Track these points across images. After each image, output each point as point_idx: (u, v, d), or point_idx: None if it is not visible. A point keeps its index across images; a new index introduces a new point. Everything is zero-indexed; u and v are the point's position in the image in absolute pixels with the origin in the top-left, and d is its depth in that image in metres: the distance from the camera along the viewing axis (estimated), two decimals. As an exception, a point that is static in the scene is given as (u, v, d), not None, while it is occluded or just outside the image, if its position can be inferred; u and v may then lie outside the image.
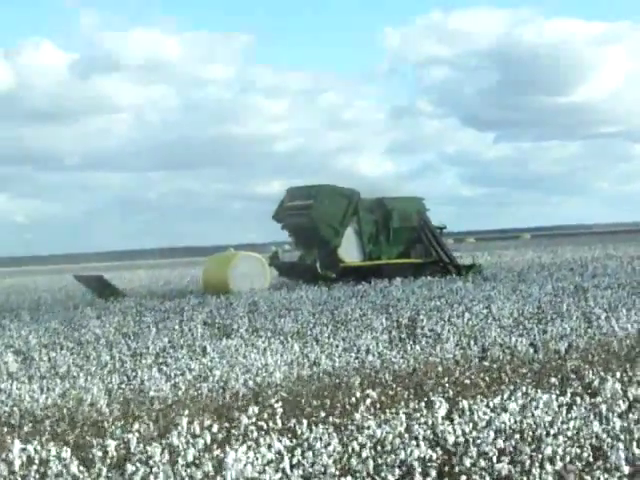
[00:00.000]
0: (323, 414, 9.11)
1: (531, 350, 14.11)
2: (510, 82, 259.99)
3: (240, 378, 12.49)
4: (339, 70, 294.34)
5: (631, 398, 9.34)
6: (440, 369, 12.35)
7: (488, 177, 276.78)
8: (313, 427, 8.30)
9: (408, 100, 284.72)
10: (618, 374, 10.29)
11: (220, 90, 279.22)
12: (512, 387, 10.22)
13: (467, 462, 7.49)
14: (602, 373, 10.60)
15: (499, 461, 7.45)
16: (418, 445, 7.52)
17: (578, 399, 9.38)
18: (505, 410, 8.61)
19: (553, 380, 10.55)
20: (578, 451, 7.63)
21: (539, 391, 9.65)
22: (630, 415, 8.55)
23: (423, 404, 9.17)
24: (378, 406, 9.43)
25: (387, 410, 9.02)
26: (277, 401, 9.22)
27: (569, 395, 9.55)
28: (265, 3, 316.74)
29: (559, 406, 9.13)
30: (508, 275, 33.54)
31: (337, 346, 15.48)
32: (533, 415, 8.40)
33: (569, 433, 8.00)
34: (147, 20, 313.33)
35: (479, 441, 7.72)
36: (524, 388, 9.70)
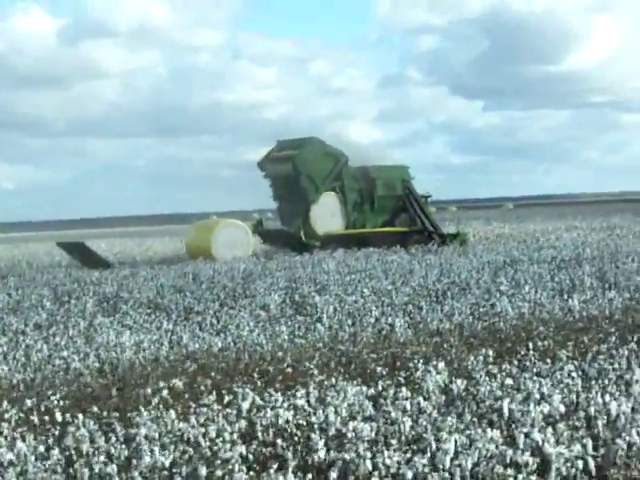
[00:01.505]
0: (96, 409, 8.36)
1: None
2: (499, 50, 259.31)
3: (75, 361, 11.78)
4: (329, 38, 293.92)
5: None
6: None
7: (477, 145, 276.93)
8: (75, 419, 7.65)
9: (398, 68, 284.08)
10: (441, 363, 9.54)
11: (209, 57, 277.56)
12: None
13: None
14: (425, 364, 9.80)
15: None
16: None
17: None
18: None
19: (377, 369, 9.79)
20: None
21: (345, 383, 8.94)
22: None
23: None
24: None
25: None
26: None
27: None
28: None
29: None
30: (455, 247, 32.82)
31: (212, 326, 14.76)
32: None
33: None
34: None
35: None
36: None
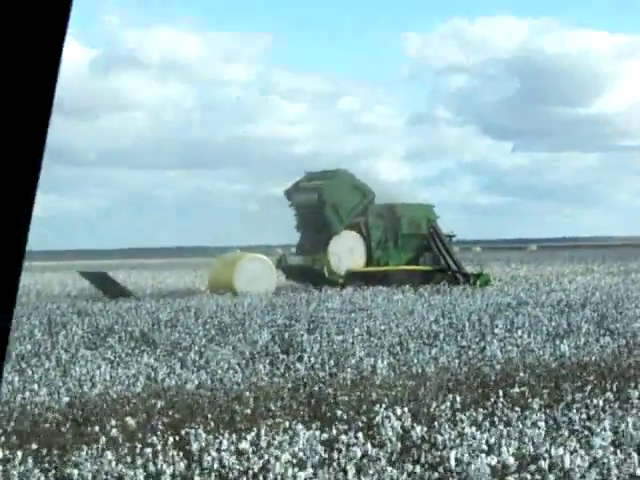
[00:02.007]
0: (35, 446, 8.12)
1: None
2: (529, 92, 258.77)
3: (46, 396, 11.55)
4: (358, 74, 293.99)
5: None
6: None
7: (504, 186, 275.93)
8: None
9: (427, 107, 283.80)
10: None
11: (239, 91, 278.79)
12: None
13: None
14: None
15: None
16: None
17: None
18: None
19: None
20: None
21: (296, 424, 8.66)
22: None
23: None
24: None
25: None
26: None
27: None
28: (284, 4, 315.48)
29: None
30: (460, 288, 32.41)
31: (194, 362, 14.52)
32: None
33: None
34: (168, 18, 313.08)
35: None
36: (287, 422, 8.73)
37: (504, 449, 7.52)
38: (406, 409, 9.42)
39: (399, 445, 8.48)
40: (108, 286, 34.14)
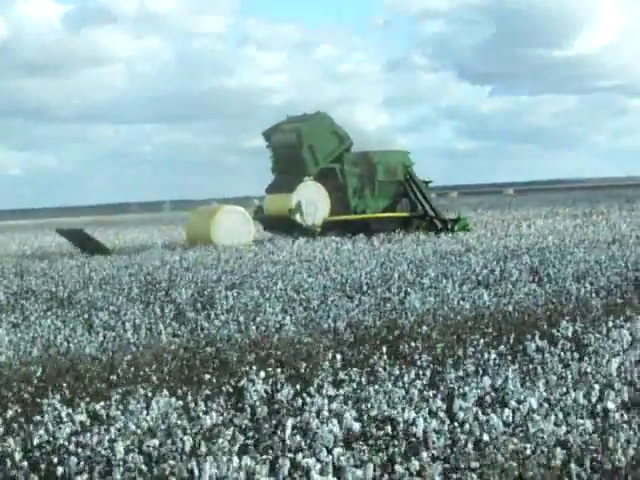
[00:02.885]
0: None
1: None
2: (506, 35, 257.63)
3: None
4: (334, 22, 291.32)
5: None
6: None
7: (483, 130, 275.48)
8: None
9: (404, 53, 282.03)
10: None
11: (214, 42, 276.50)
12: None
13: None
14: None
15: None
16: None
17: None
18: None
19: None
20: None
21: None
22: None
23: None
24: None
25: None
26: None
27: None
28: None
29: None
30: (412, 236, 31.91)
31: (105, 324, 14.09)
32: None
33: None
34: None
35: None
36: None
37: (350, 414, 7.09)
38: (279, 370, 8.99)
39: (264, 410, 8.05)
40: (85, 243, 34.20)
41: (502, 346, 10.08)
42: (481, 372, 9.12)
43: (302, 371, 9.43)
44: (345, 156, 36.00)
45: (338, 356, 9.66)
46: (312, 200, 34.91)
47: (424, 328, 11.66)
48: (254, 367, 9.05)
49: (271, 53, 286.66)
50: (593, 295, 14.83)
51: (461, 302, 14.47)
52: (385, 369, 9.25)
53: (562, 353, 9.46)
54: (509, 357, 9.73)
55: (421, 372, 9.10)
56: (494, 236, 30.08)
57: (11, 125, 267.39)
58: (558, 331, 10.56)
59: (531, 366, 9.26)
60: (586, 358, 9.32)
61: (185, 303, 15.86)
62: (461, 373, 8.94)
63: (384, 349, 9.87)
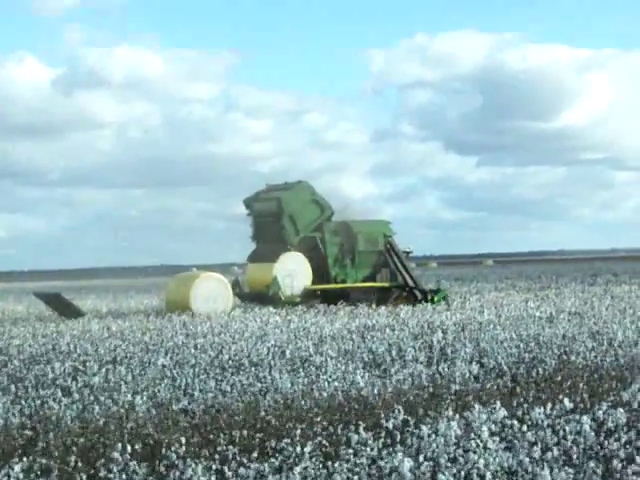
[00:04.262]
0: None
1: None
2: (493, 106, 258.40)
3: None
4: (323, 91, 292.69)
5: None
6: None
7: (470, 201, 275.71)
8: None
9: (391, 122, 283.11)
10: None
11: (203, 109, 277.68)
12: None
13: None
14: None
15: None
16: None
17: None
18: None
19: None
20: None
21: None
22: None
23: None
24: None
25: None
26: None
27: None
28: (249, 22, 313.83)
29: None
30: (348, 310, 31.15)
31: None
32: None
33: None
34: (131, 36, 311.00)
35: None
36: None
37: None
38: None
39: None
40: (62, 307, 34.15)
41: (318, 438, 9.32)
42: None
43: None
44: (326, 225, 35.77)
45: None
46: (293, 272, 34.52)
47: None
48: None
49: (259, 120, 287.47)
50: (481, 377, 14.18)
51: (331, 383, 13.71)
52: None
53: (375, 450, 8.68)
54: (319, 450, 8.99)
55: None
56: (427, 312, 29.23)
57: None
58: (386, 421, 9.80)
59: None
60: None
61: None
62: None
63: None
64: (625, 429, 9.49)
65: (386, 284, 35.96)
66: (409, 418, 9.82)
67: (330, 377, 14.19)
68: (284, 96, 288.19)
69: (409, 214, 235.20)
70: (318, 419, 10.30)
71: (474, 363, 15.46)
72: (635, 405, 10.53)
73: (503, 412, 9.59)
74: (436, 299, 34.55)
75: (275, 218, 34.88)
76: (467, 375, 14.37)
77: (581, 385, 12.26)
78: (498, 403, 9.92)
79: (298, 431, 9.54)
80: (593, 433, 9.18)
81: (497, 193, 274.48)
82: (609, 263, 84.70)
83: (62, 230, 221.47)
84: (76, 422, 11.31)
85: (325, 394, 13.03)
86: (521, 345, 17.14)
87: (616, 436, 9.15)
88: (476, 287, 48.11)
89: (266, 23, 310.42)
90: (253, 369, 15.32)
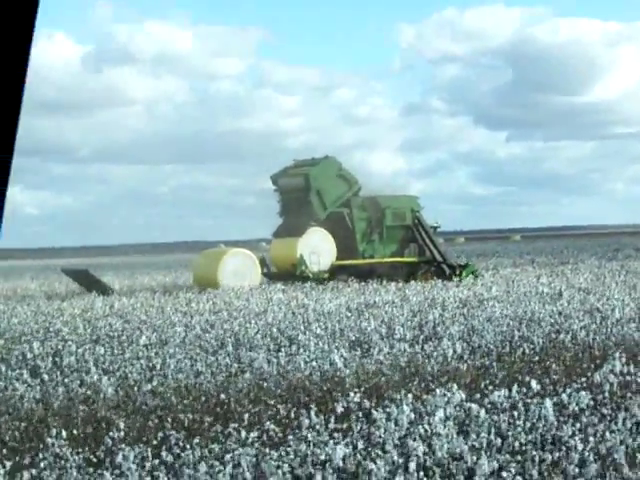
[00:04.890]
0: None
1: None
2: (523, 81, 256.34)
3: None
4: (352, 66, 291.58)
5: None
6: None
7: (500, 176, 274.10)
8: None
9: (421, 97, 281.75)
10: None
11: (233, 85, 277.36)
12: None
13: None
14: None
15: None
16: None
17: None
18: None
19: None
20: None
21: None
22: None
23: None
24: None
25: None
26: None
27: None
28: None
29: None
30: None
31: None
32: None
33: None
34: (161, 13, 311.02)
35: None
36: None
37: None
38: None
39: None
40: (89, 283, 34.41)
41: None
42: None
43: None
44: (353, 200, 35.64)
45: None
46: (317, 248, 34.40)
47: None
48: None
49: (288, 96, 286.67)
50: (465, 356, 13.82)
51: (309, 363, 13.38)
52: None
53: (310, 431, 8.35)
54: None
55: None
56: (445, 287, 28.89)
57: (28, 164, 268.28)
58: (342, 402, 9.45)
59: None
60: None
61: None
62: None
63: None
64: (587, 412, 9.11)
65: (414, 259, 35.82)
66: (365, 402, 9.49)
67: (309, 357, 13.85)
68: (314, 72, 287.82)
69: (439, 189, 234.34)
70: (272, 402, 9.95)
71: (460, 342, 15.09)
72: (606, 387, 10.11)
73: (460, 395, 9.22)
74: (464, 274, 34.36)
75: (302, 193, 34.74)
76: (451, 354, 13.98)
77: (554, 366, 11.82)
78: (455, 386, 9.54)
79: (246, 415, 9.21)
80: (553, 417, 8.81)
81: (527, 168, 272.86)
82: (636, 238, 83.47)
83: (92, 207, 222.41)
84: (39, 405, 11.08)
85: (300, 374, 12.74)
86: (511, 323, 16.70)
87: (575, 420, 8.77)
88: (494, 263, 47.55)
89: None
90: (231, 349, 14.99)
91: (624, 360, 10.79)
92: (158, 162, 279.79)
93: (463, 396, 9.22)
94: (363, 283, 30.76)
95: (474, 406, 9.09)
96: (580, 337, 15.22)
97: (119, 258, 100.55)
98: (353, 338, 16.24)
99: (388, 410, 8.96)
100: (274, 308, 22.38)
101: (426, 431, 8.26)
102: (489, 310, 19.51)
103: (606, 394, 10.01)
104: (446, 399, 9.21)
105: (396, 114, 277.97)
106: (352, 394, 9.54)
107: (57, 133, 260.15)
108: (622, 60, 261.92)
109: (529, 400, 9.22)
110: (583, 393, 9.22)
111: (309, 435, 8.51)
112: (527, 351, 14.05)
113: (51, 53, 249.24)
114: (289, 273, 34.00)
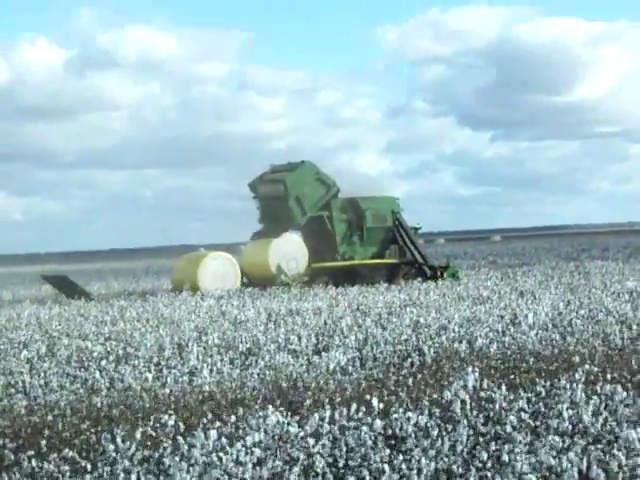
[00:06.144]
0: None
1: None
2: (507, 81, 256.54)
3: None
4: (336, 68, 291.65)
5: None
6: None
7: (485, 176, 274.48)
8: None
9: (405, 99, 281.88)
10: None
11: (217, 88, 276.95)
12: None
13: None
14: None
15: None
16: None
17: None
18: None
19: None
20: None
21: None
22: None
23: None
24: None
25: None
26: None
27: None
28: (262, 0, 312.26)
29: None
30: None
31: None
32: None
33: None
34: (144, 17, 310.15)
35: None
36: None
37: None
38: None
39: None
40: (68, 289, 34.21)
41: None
42: None
43: None
44: (333, 202, 35.21)
45: None
46: (289, 253, 33.97)
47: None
48: None
49: (272, 99, 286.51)
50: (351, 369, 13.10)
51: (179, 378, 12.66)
52: None
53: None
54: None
55: None
56: (376, 292, 28.07)
57: (13, 170, 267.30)
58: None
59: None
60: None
61: None
62: None
63: None
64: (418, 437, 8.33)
65: (395, 260, 35.42)
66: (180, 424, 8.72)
67: (179, 371, 13.10)
68: (297, 74, 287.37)
69: (424, 190, 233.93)
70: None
71: (351, 352, 14.35)
72: (458, 407, 9.31)
73: (276, 417, 8.45)
74: (446, 275, 34.14)
75: (281, 201, 34.31)
76: (332, 367, 13.23)
77: (410, 381, 11.04)
78: (270, 407, 8.79)
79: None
80: (370, 442, 8.05)
81: (512, 168, 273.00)
82: (610, 237, 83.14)
83: (78, 212, 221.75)
84: None
85: (168, 389, 12.03)
86: (409, 332, 15.93)
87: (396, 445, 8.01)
88: (458, 265, 46.82)
89: (278, 1, 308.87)
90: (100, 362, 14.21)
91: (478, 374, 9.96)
92: (142, 166, 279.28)
93: (279, 418, 8.43)
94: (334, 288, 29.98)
95: (292, 429, 8.34)
96: (477, 346, 14.46)
97: (103, 264, 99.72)
98: (243, 349, 15.45)
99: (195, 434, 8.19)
100: (191, 317, 21.57)
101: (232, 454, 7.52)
102: (406, 317, 18.70)
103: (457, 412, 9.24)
104: (262, 421, 8.44)
105: (380, 115, 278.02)
106: (167, 416, 8.76)
107: (41, 139, 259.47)
108: (605, 59, 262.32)
109: (352, 423, 8.45)
110: (411, 414, 8.43)
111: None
112: (417, 362, 13.31)
113: (34, 58, 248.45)
114: (265, 280, 33.19)
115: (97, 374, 13.14)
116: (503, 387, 9.52)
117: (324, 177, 35.20)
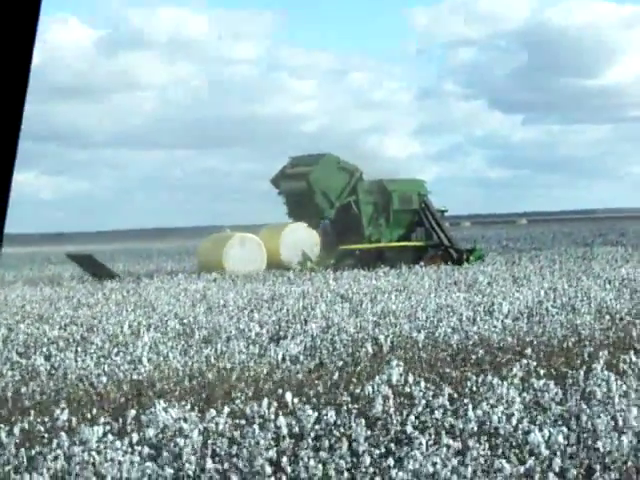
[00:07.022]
0: None
1: None
2: (538, 64, 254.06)
3: None
4: (367, 50, 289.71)
5: None
6: None
7: (514, 159, 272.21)
8: None
9: (436, 81, 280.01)
10: None
11: (248, 69, 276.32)
12: None
13: None
14: None
15: None
16: None
17: None
18: None
19: None
20: None
21: None
22: None
23: None
24: None
25: None
26: None
27: None
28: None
29: None
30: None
31: None
32: None
33: None
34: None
35: None
36: None
37: None
38: None
39: None
40: (94, 268, 34.32)
41: None
42: None
43: None
44: (360, 185, 35.27)
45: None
46: (301, 242, 33.95)
47: None
48: None
49: (303, 80, 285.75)
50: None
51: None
52: None
53: None
54: None
55: None
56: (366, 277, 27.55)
57: (44, 150, 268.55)
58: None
59: None
60: None
61: None
62: None
63: None
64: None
65: (421, 243, 35.39)
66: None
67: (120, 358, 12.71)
68: (328, 56, 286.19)
69: (454, 173, 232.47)
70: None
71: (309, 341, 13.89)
72: (379, 403, 8.81)
73: (175, 413, 8.01)
74: (472, 258, 34.01)
75: (307, 197, 34.40)
76: (281, 356, 12.77)
77: (335, 377, 10.54)
78: (174, 402, 8.36)
79: None
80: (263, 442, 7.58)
81: (543, 151, 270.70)
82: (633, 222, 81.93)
83: (107, 191, 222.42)
84: None
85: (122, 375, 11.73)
86: (375, 319, 15.45)
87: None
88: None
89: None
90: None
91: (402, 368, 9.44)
92: (173, 147, 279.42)
93: (174, 414, 7.98)
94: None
95: (185, 426, 7.89)
96: (439, 336, 13.94)
97: (133, 243, 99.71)
98: (204, 335, 15.05)
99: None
100: (171, 300, 21.18)
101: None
102: (383, 305, 18.18)
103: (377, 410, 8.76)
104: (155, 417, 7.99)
105: (411, 98, 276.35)
106: (59, 410, 8.36)
107: (72, 118, 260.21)
108: (638, 43, 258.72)
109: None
110: (311, 412, 7.95)
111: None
112: (364, 354, 12.80)
113: (65, 38, 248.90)
114: (274, 264, 33.16)
115: (40, 360, 12.75)
116: (422, 383, 9.00)
117: (346, 165, 35.23)
